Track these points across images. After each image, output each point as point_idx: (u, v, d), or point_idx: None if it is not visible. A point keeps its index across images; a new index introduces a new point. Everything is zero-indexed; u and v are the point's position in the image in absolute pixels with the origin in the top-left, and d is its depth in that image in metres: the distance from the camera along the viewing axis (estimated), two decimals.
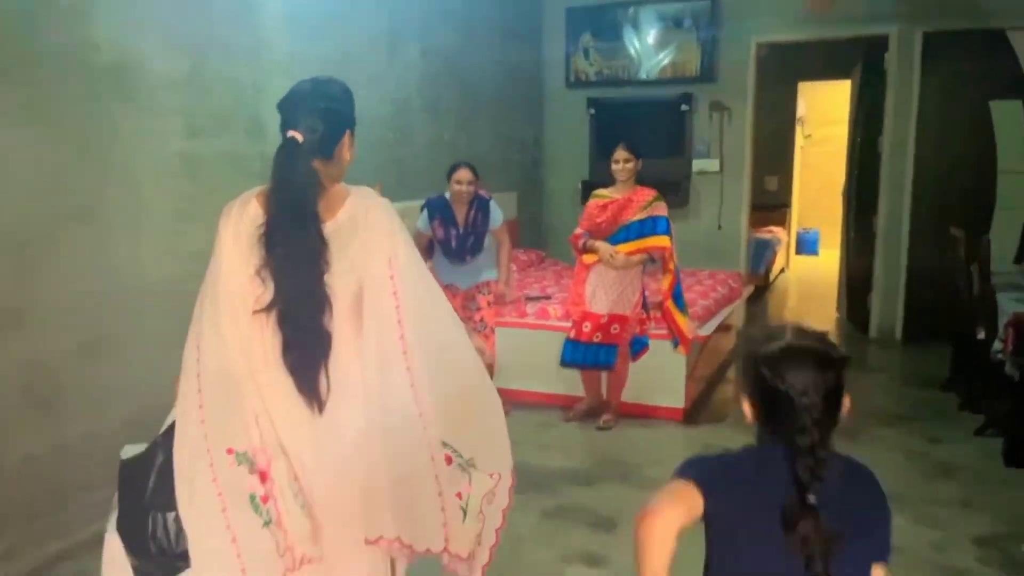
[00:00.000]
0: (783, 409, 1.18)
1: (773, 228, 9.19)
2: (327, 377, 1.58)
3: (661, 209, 3.90)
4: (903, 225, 5.87)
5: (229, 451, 1.55)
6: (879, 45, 5.87)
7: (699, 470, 1.23)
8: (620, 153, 3.92)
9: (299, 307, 1.55)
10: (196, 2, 3.30)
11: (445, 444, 1.62)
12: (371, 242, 1.58)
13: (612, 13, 6.45)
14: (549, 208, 6.93)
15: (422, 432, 1.59)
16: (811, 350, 1.21)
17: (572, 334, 4.01)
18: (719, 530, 1.23)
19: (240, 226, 1.60)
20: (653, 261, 3.90)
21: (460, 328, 1.73)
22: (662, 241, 3.85)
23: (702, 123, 6.36)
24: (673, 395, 4.17)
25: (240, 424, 1.57)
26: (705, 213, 6.39)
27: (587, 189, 6.61)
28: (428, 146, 5.12)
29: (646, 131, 6.41)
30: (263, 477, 1.56)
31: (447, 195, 3.91)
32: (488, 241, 3.99)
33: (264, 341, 1.59)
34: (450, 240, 3.92)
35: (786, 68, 8.19)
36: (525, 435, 3.92)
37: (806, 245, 11.03)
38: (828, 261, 10.12)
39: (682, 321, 3.92)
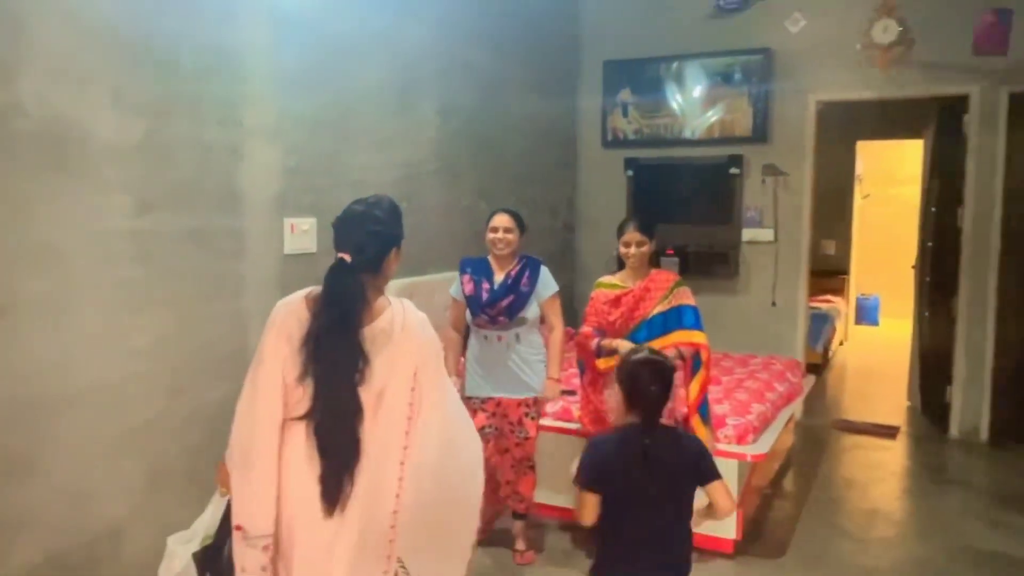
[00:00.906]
0: (640, 397, 2.23)
1: (830, 297, 8.41)
2: (351, 484, 1.74)
3: (686, 297, 3.27)
4: (989, 308, 5.10)
5: (238, 528, 1.77)
6: (953, 104, 5.19)
7: (587, 479, 2.22)
8: (631, 235, 3.29)
9: (335, 417, 1.74)
10: (156, 51, 2.80)
11: (400, 563, 1.76)
12: (401, 352, 1.77)
13: (654, 67, 5.89)
14: (582, 278, 6.30)
15: (386, 545, 1.76)
16: (656, 361, 2.31)
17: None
18: (607, 499, 2.19)
19: (285, 328, 1.82)
20: (682, 357, 3.22)
21: (470, 451, 1.88)
22: (693, 336, 3.21)
23: (753, 187, 5.71)
24: (720, 523, 3.45)
25: (249, 507, 1.77)
26: (757, 288, 5.70)
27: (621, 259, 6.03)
28: (443, 213, 4.57)
29: (690, 195, 5.81)
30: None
31: (489, 257, 3.45)
32: (532, 314, 3.35)
33: (296, 444, 1.76)
34: (480, 294, 3.30)
35: (845, 126, 7.55)
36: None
37: (865, 313, 10.18)
38: (890, 332, 9.26)
39: (705, 435, 3.23)
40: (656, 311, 3.25)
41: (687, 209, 5.77)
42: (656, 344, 3.17)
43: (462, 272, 3.41)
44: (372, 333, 1.76)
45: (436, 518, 1.78)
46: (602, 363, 3.30)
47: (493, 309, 3.24)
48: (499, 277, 3.30)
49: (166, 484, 2.92)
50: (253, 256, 3.26)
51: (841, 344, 8.72)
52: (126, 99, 2.70)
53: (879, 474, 4.75)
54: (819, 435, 5.42)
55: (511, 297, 3.24)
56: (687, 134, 5.87)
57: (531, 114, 5.55)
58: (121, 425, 2.74)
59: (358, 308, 1.75)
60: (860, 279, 9.99)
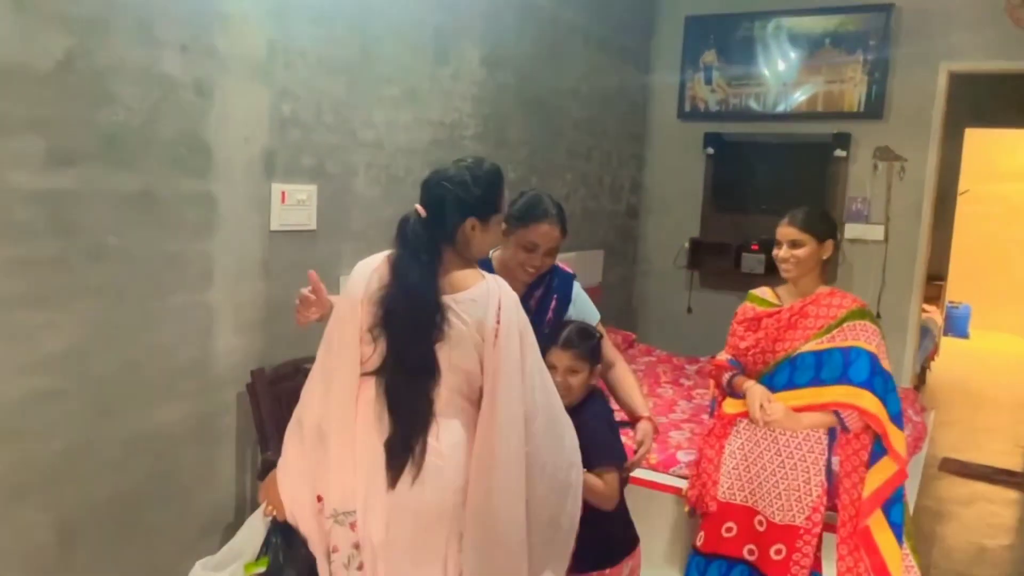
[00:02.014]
0: None
1: (926, 306, 7.34)
2: (422, 453, 1.59)
3: (865, 336, 2.24)
4: None
5: (319, 498, 1.67)
6: None
7: None
8: (785, 230, 2.32)
9: (406, 376, 1.60)
10: None
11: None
12: (491, 325, 1.60)
13: (746, 25, 4.93)
14: (645, 274, 5.39)
15: (449, 530, 1.62)
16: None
17: (700, 540, 2.39)
18: None
19: (363, 286, 1.66)
20: (846, 429, 2.26)
21: (570, 439, 1.75)
22: (861, 399, 2.17)
23: (862, 174, 4.72)
24: None
25: (328, 478, 1.65)
26: (859, 295, 4.71)
27: (697, 250, 5.13)
28: None
29: (783, 181, 4.85)
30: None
31: (491, 258, 2.18)
32: None
33: (366, 404, 1.63)
34: None
35: (953, 109, 6.46)
36: None
37: (954, 324, 9.03)
38: (983, 345, 8.15)
39: (894, 559, 2.20)
40: (808, 347, 2.26)
41: (778, 197, 4.79)
42: (799, 399, 2.26)
43: None
44: (456, 300, 1.61)
45: (526, 511, 1.62)
46: (728, 406, 2.39)
47: None
48: None
49: (87, 543, 2.14)
50: (226, 232, 2.45)
51: (932, 361, 7.65)
52: (38, 3, 1.90)
53: (1012, 539, 3.77)
54: (928, 479, 4.44)
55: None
56: (783, 107, 4.90)
57: (596, 74, 4.64)
58: (18, 463, 1.97)
59: (427, 267, 1.61)
60: (950, 286, 8.86)
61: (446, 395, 1.61)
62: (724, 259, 4.91)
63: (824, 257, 2.32)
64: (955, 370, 7.55)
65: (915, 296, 4.68)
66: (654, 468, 2.82)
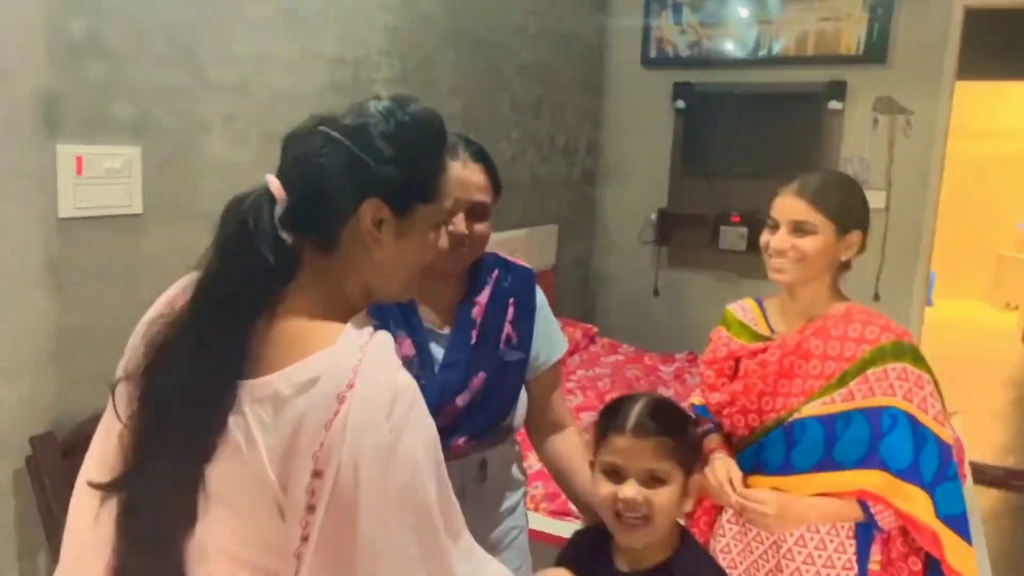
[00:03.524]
0: None
1: None
2: None
3: (905, 387, 1.40)
4: None
5: None
6: None
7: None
8: (788, 203, 1.45)
9: (151, 505, 0.93)
10: None
11: None
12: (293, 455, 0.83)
13: None
14: (604, 250, 4.58)
15: None
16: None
17: None
18: None
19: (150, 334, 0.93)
20: (878, 529, 1.45)
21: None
22: (902, 496, 1.37)
23: (860, 129, 3.98)
24: None
25: None
26: (853, 273, 3.97)
27: (665, 223, 4.34)
28: None
29: (767, 138, 4.09)
30: None
31: None
32: (522, 411, 1.40)
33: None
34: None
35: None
36: None
37: None
38: (949, 314, 7.67)
39: None
40: (811, 410, 1.45)
41: (762, 158, 4.03)
42: (799, 488, 1.45)
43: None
44: (267, 385, 0.79)
45: None
46: (708, 483, 1.51)
47: (443, 412, 1.25)
48: (442, 325, 1.32)
49: None
50: None
51: None
52: None
53: None
54: None
55: (483, 374, 1.30)
56: (764, 50, 4.10)
57: (547, 9, 3.76)
58: None
59: (264, 291, 0.82)
60: None
61: (218, 566, 0.83)
62: (698, 233, 4.13)
63: (844, 257, 1.46)
64: (927, 344, 7.03)
65: (920, 275, 4.00)
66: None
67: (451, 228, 1.23)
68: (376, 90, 2.64)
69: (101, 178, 1.75)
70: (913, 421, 1.39)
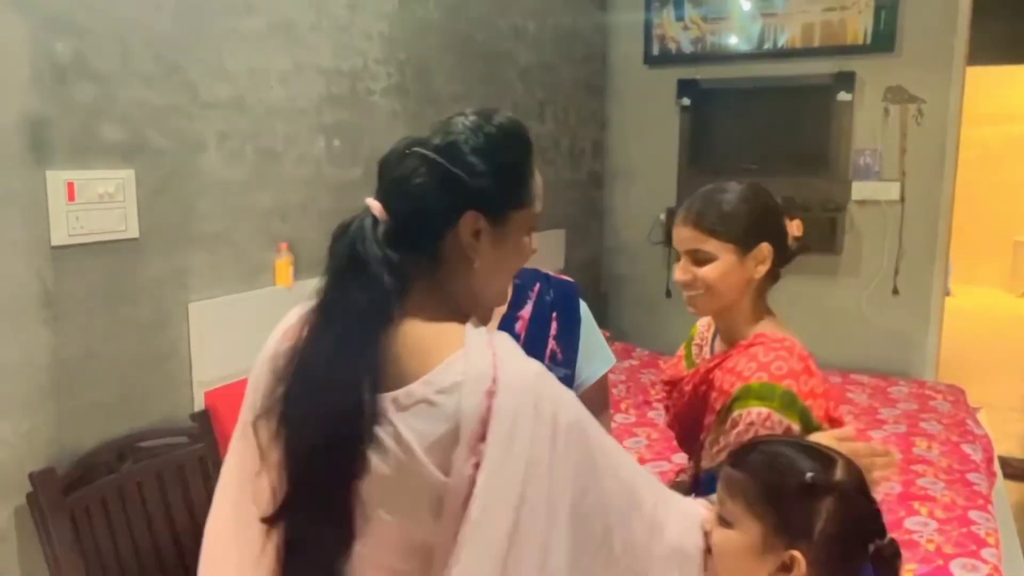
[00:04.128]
0: None
1: None
2: None
3: (736, 432, 1.21)
4: None
5: None
6: None
7: None
8: (679, 233, 1.32)
9: (311, 531, 0.98)
10: None
11: None
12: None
13: None
14: (614, 252, 4.52)
15: None
16: None
17: None
18: None
19: (275, 367, 0.97)
20: None
21: None
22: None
23: (871, 121, 3.90)
24: None
25: None
26: (870, 268, 3.93)
27: (674, 222, 4.26)
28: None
29: (775, 134, 4.01)
30: None
31: None
32: None
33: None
34: None
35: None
36: None
37: None
38: (967, 304, 7.53)
39: None
40: (706, 462, 1.29)
41: (770, 153, 3.96)
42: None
43: None
44: (411, 396, 0.83)
45: None
46: None
47: None
48: None
49: None
50: None
51: None
52: None
53: None
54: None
55: None
56: (769, 44, 4.03)
57: (547, 9, 3.70)
58: None
59: (385, 311, 0.85)
60: None
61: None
62: None
63: (757, 275, 1.31)
64: (947, 337, 6.91)
65: (938, 266, 3.91)
66: None
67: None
68: (375, 100, 2.58)
69: (94, 203, 1.70)
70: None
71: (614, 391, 3.05)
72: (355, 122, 2.49)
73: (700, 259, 1.29)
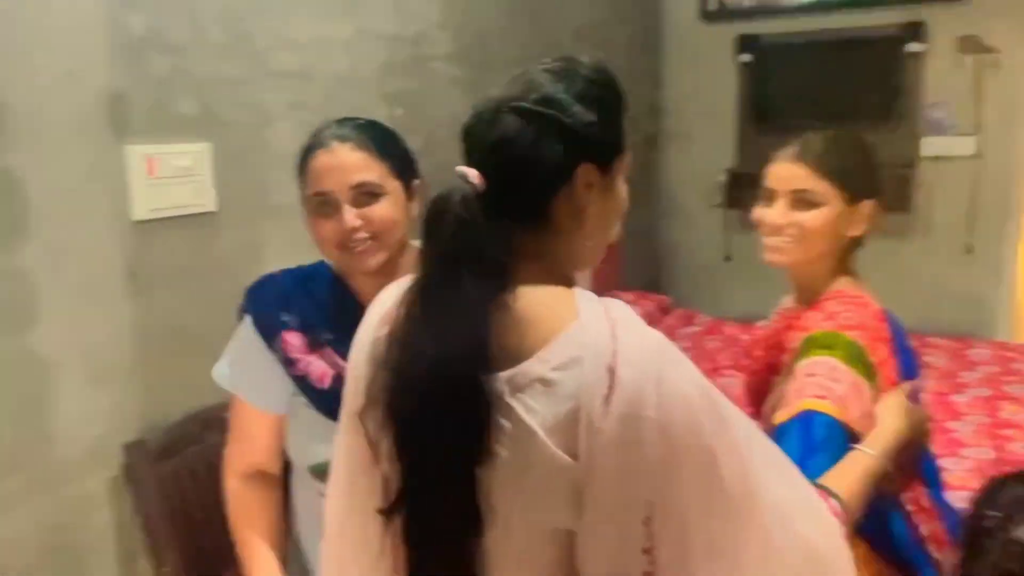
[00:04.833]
0: None
1: None
2: None
3: (816, 387, 1.10)
4: None
5: None
6: None
7: None
8: (785, 169, 1.26)
9: (431, 523, 0.91)
10: None
11: None
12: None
13: None
14: (671, 216, 4.43)
15: None
16: None
17: None
18: None
19: (375, 353, 0.93)
20: None
21: None
22: None
23: (943, 73, 3.73)
24: None
25: None
26: (944, 226, 3.78)
27: (735, 184, 4.16)
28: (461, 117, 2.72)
29: (840, 88, 3.87)
30: None
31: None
32: None
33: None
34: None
35: None
36: None
37: None
38: None
39: None
40: (780, 413, 1.13)
41: (835, 109, 3.80)
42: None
43: (265, 322, 1.32)
44: (526, 374, 0.76)
45: None
46: None
47: None
48: None
49: None
50: (49, 233, 1.50)
51: None
52: None
53: None
54: None
55: None
56: None
57: None
58: None
59: (494, 286, 0.78)
60: None
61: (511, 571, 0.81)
62: None
63: (853, 233, 1.26)
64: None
65: (1015, 223, 3.74)
66: None
67: (345, 229, 1.22)
68: (436, 66, 2.54)
69: (173, 177, 1.70)
70: (802, 430, 1.07)
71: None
72: (416, 89, 2.46)
73: (804, 201, 1.23)
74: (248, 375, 1.33)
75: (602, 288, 2.83)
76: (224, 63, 1.82)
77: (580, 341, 0.76)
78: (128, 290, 1.65)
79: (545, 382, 0.75)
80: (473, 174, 0.81)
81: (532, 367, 0.76)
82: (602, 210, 0.86)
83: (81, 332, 1.57)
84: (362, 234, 1.21)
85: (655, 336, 0.79)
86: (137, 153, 1.64)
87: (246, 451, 1.37)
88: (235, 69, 1.85)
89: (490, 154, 0.82)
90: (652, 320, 3.40)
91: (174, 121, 1.72)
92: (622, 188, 0.90)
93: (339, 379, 1.14)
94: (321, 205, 1.24)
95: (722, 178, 4.13)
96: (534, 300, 0.80)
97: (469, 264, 0.78)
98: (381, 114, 2.32)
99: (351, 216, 1.20)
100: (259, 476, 1.38)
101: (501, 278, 0.79)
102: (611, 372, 0.74)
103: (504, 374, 0.77)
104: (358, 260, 1.23)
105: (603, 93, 0.86)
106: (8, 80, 1.41)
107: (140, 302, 1.67)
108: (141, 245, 1.67)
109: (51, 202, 1.49)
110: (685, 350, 2.65)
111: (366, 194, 1.22)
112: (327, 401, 1.22)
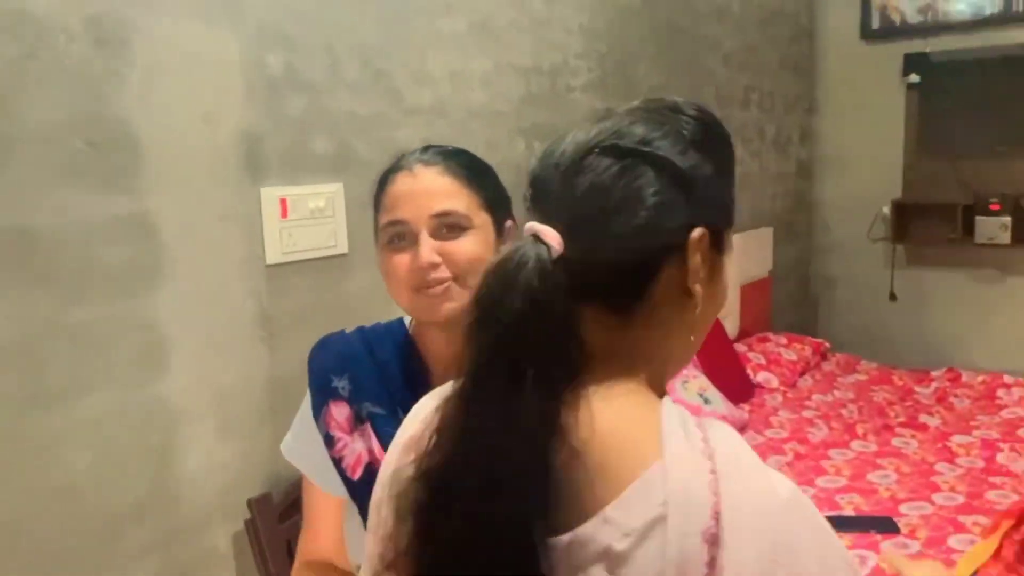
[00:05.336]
0: None
1: None
2: None
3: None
4: None
5: None
6: None
7: None
8: None
9: None
10: None
11: None
12: None
13: None
14: (828, 252, 4.06)
15: None
16: None
17: None
18: None
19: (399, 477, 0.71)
20: None
21: None
22: None
23: None
24: None
25: None
26: None
27: (902, 215, 3.76)
28: None
29: (1017, 110, 3.40)
30: None
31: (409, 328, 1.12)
32: None
33: None
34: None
35: None
36: None
37: None
38: None
39: None
40: None
41: (1017, 133, 3.37)
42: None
43: (316, 387, 1.11)
44: (585, 540, 0.54)
45: None
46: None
47: None
48: None
49: None
50: (181, 279, 1.47)
51: None
52: None
53: None
54: None
55: None
56: (1018, 6, 3.43)
57: None
58: None
59: (557, 399, 0.55)
60: None
61: None
62: (944, 225, 3.52)
63: None
64: None
65: None
66: None
67: (422, 270, 0.96)
68: (575, 98, 2.41)
69: (306, 219, 1.65)
70: None
71: (843, 411, 2.68)
72: (554, 122, 2.33)
73: None
74: (309, 449, 1.09)
75: (750, 330, 2.59)
76: (359, 100, 1.76)
77: (665, 493, 0.53)
78: (258, 336, 1.60)
79: (612, 557, 0.53)
80: (551, 235, 0.59)
81: (595, 532, 0.54)
82: (711, 296, 0.63)
83: (211, 380, 1.52)
84: (441, 273, 0.96)
85: (780, 483, 0.55)
86: (272, 195, 1.59)
87: (311, 538, 1.13)
88: (370, 106, 1.79)
89: (575, 207, 0.60)
90: (808, 366, 3.08)
91: (309, 162, 1.67)
92: (728, 273, 0.67)
93: (370, 469, 0.94)
94: (395, 237, 1.00)
95: (886, 209, 3.74)
96: (613, 422, 0.57)
97: (537, 364, 0.56)
98: (518, 148, 2.22)
99: (428, 249, 0.96)
100: (326, 570, 1.11)
101: (575, 386, 0.57)
102: (711, 542, 0.52)
103: (563, 539, 0.55)
104: (431, 305, 0.97)
105: (715, 141, 0.65)
106: (146, 123, 1.39)
107: (270, 348, 1.62)
108: (273, 289, 1.62)
109: (185, 246, 1.46)
110: (849, 402, 2.32)
111: (450, 226, 0.98)
112: (360, 495, 0.99)
